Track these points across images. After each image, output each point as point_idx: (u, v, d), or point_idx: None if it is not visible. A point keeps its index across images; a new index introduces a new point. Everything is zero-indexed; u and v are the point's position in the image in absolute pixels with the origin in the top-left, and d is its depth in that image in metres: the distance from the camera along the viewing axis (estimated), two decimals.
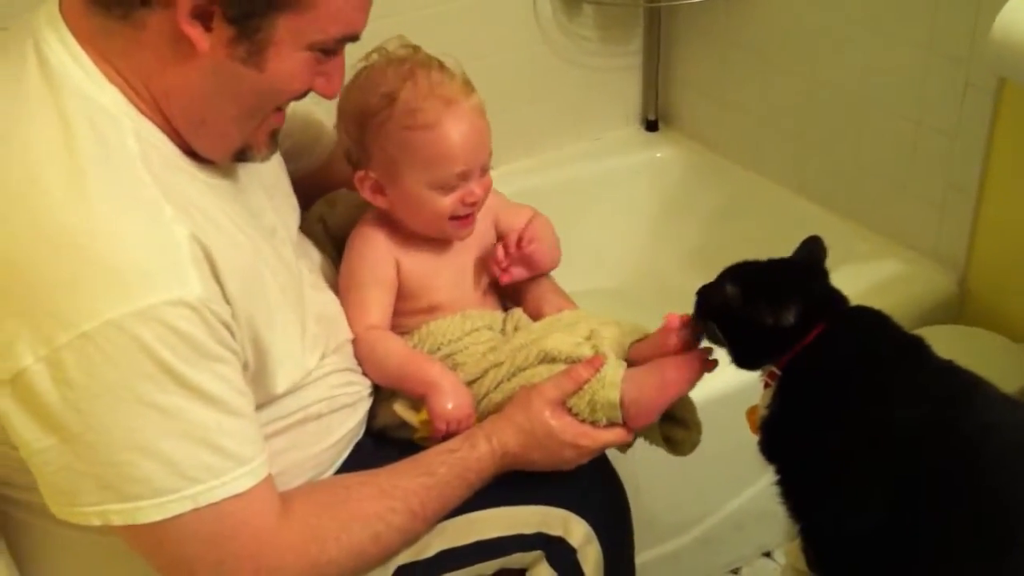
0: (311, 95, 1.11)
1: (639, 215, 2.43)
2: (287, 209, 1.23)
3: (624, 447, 1.24)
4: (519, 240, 1.30)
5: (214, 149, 1.04)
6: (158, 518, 0.93)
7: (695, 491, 1.77)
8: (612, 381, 1.16)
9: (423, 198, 1.25)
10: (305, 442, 1.13)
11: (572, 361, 1.19)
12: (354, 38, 1.03)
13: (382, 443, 1.23)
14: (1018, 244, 1.79)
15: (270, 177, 1.20)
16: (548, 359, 1.20)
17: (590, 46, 2.33)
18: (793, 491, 1.19)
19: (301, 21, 0.96)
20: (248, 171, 1.12)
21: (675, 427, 1.25)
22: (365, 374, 1.23)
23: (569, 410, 1.17)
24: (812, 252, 1.28)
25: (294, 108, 1.28)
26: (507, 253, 1.30)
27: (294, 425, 1.12)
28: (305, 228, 1.32)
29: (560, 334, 1.23)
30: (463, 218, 1.28)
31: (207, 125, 1.01)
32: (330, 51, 1.01)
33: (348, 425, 1.19)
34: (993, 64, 1.48)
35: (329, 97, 1.08)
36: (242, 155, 1.07)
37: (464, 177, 1.25)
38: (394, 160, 1.24)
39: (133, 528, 0.94)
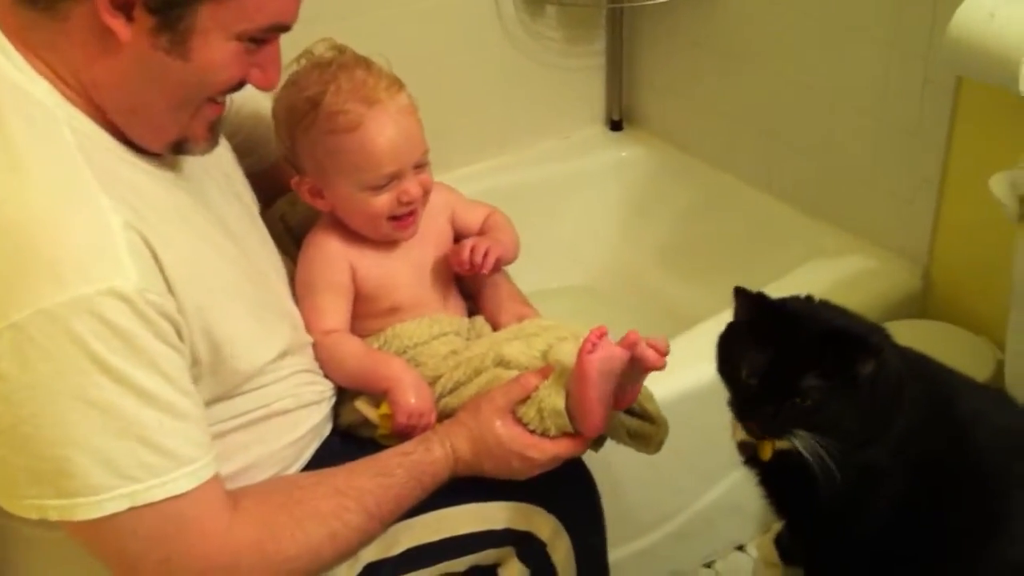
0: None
1: (608, 213, 2.43)
2: (242, 202, 1.23)
3: (596, 446, 1.24)
4: (483, 259, 1.29)
5: (150, 139, 1.03)
6: (95, 515, 0.92)
7: (668, 487, 1.78)
8: (557, 388, 1.15)
9: (357, 200, 1.25)
10: (270, 437, 1.13)
11: (525, 370, 1.19)
12: (284, 28, 1.03)
13: (348, 441, 1.23)
14: (978, 239, 1.80)
15: (221, 170, 1.20)
16: (503, 364, 1.20)
17: (554, 46, 2.33)
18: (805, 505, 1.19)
19: (225, 10, 0.96)
20: (197, 163, 1.12)
21: (642, 423, 1.24)
22: (327, 377, 1.23)
23: (519, 420, 1.16)
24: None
25: (244, 103, 1.29)
26: (469, 268, 1.30)
27: (259, 420, 1.11)
28: (267, 227, 1.31)
29: (519, 343, 1.22)
30: (403, 217, 1.27)
31: (139, 115, 1.01)
32: (260, 41, 1.01)
33: (313, 421, 1.19)
34: (950, 62, 1.50)
35: (266, 89, 1.07)
36: (181, 147, 1.06)
37: (396, 177, 1.24)
38: (323, 165, 1.24)
39: (72, 524, 0.93)
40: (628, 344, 1.12)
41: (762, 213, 2.17)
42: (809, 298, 1.19)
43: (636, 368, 1.15)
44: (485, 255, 1.30)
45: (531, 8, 2.26)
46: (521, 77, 2.32)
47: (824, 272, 1.92)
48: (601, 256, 2.43)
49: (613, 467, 1.42)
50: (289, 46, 1.25)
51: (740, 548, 1.89)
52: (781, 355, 1.09)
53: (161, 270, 0.95)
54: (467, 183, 2.24)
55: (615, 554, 1.70)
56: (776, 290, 1.77)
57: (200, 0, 0.94)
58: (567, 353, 1.19)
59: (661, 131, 2.42)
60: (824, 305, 1.18)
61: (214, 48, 0.97)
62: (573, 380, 1.14)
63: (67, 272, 0.89)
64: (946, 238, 1.88)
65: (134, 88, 0.98)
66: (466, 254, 1.30)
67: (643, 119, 2.47)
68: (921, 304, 1.93)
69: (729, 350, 1.15)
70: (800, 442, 1.08)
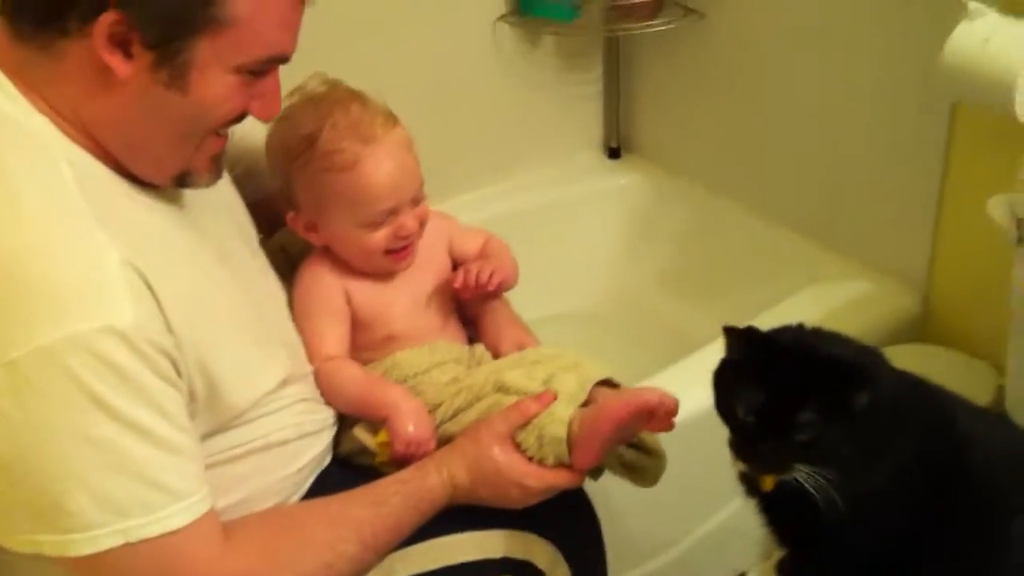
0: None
1: (607, 240, 2.44)
2: (242, 234, 1.23)
3: (595, 475, 1.23)
4: (489, 278, 1.30)
5: (152, 174, 1.04)
6: (89, 551, 0.92)
7: (670, 513, 1.76)
8: (560, 418, 1.14)
9: (353, 236, 1.25)
10: (269, 468, 1.13)
11: (525, 395, 1.18)
12: (283, 59, 1.03)
13: (347, 470, 1.23)
14: (977, 263, 1.80)
15: (221, 201, 1.20)
16: (504, 390, 1.20)
17: (551, 74, 2.34)
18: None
19: (222, 43, 0.96)
20: (197, 196, 1.12)
21: (639, 455, 1.24)
22: (328, 404, 1.23)
23: (518, 446, 1.15)
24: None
25: (245, 133, 1.28)
26: (474, 288, 1.30)
27: (258, 451, 1.11)
28: (268, 256, 1.32)
29: (520, 371, 1.22)
30: (399, 251, 1.28)
31: (140, 151, 1.01)
32: (259, 73, 1.01)
33: (313, 452, 1.19)
34: (945, 87, 1.50)
35: (268, 120, 1.08)
36: (183, 180, 1.06)
37: (393, 212, 1.24)
38: (319, 201, 1.24)
39: (67, 559, 0.92)
40: (642, 409, 1.13)
41: (761, 238, 2.17)
42: (801, 327, 1.19)
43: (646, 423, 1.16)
44: (490, 276, 1.30)
45: (529, 36, 2.27)
46: (519, 105, 2.33)
47: (823, 297, 1.92)
48: (601, 282, 2.43)
49: (613, 494, 1.41)
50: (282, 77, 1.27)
51: (742, 575, 1.88)
52: (776, 391, 1.08)
53: (159, 307, 0.95)
54: (466, 211, 2.24)
55: None
56: (775, 316, 1.77)
57: (198, 34, 0.95)
58: (570, 381, 1.18)
59: (659, 157, 2.43)
60: (816, 333, 1.17)
61: (213, 81, 0.98)
62: (590, 419, 1.14)
63: (64, 308, 0.89)
64: (945, 262, 1.87)
65: (135, 124, 0.99)
66: (472, 276, 1.30)
67: (641, 146, 2.47)
68: (920, 329, 1.93)
69: (724, 388, 1.15)
70: (801, 477, 1.07)
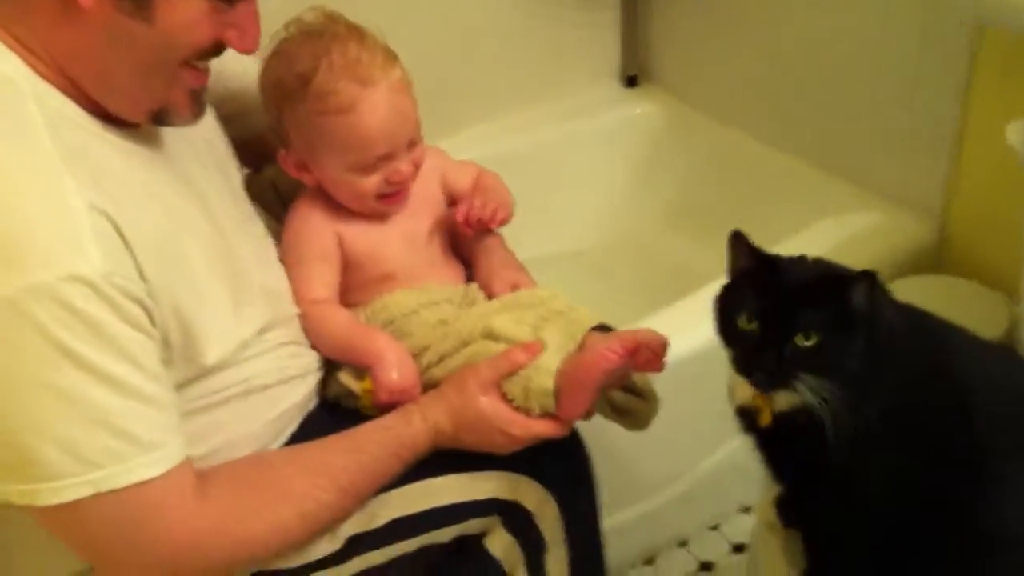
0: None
1: (617, 174, 2.40)
2: (223, 174, 1.20)
3: (585, 416, 1.20)
4: (492, 213, 1.28)
5: (126, 110, 1.01)
6: (56, 501, 0.90)
7: (672, 450, 1.76)
8: (547, 369, 1.12)
9: (344, 180, 1.22)
10: (249, 414, 1.11)
11: (514, 343, 1.15)
12: None
13: (335, 413, 1.21)
14: (994, 192, 1.76)
15: (203, 143, 1.17)
16: (492, 336, 1.17)
17: (566, 1, 2.27)
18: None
19: None
20: (176, 135, 1.09)
21: (629, 398, 1.21)
22: (313, 348, 1.21)
23: (504, 395, 1.13)
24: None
25: (233, 72, 1.25)
26: (476, 223, 1.28)
27: (236, 396, 1.10)
28: (256, 193, 1.30)
29: (509, 315, 1.19)
30: (391, 195, 1.24)
31: (110, 85, 0.98)
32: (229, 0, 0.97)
33: (294, 397, 1.17)
34: (970, 8, 1.45)
35: (246, 52, 1.03)
36: (161, 117, 1.03)
37: (387, 158, 1.21)
38: (311, 142, 1.20)
39: (37, 509, 0.92)
40: (630, 351, 1.10)
41: (773, 170, 2.13)
42: (803, 256, 1.16)
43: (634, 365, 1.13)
44: (493, 211, 1.28)
45: None
46: (533, 32, 2.27)
47: (836, 228, 1.88)
48: (609, 217, 2.39)
49: (611, 430, 1.39)
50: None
51: (746, 510, 1.86)
52: (779, 296, 1.06)
53: (131, 252, 0.93)
54: (475, 144, 2.23)
55: (616, 519, 1.69)
56: (786, 248, 1.73)
57: None
58: (559, 330, 1.16)
59: (676, 87, 2.38)
60: (819, 259, 1.15)
61: (178, 8, 0.94)
62: (576, 370, 1.11)
63: (26, 257, 0.87)
64: (962, 191, 1.83)
65: (102, 56, 0.96)
66: (475, 211, 1.27)
67: (659, 75, 2.42)
68: (935, 259, 1.89)
69: (726, 304, 1.12)
70: (806, 387, 1.05)
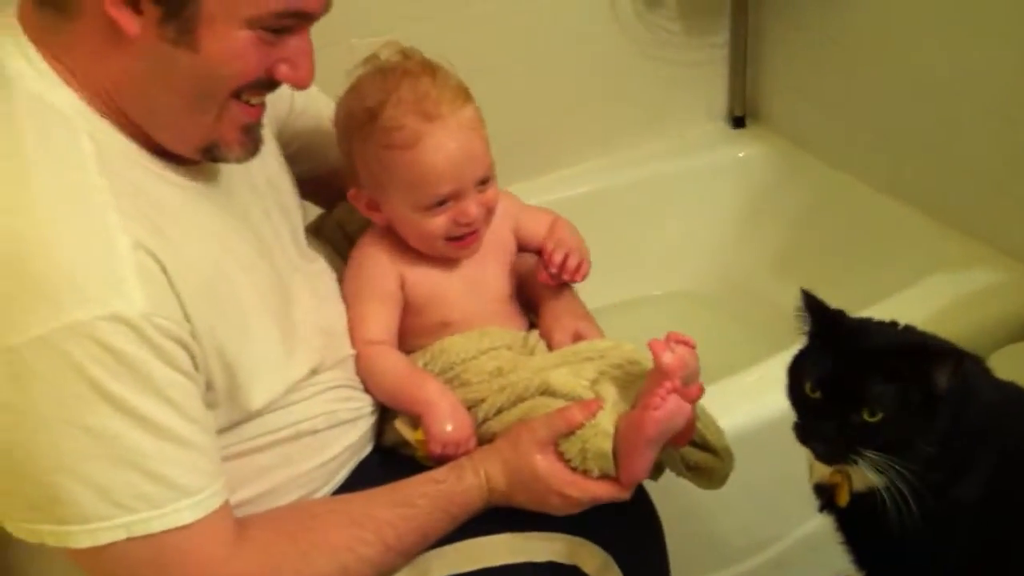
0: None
1: (723, 215, 2.33)
2: (284, 214, 1.18)
3: (655, 474, 1.15)
4: (577, 268, 1.25)
5: (177, 144, 0.99)
6: (89, 544, 0.89)
7: (766, 511, 1.68)
8: (605, 430, 1.06)
9: (412, 219, 1.19)
10: (298, 458, 1.09)
11: (571, 399, 1.10)
12: (304, 15, 0.96)
13: (390, 462, 1.18)
14: None
15: (263, 179, 1.15)
16: (549, 392, 1.12)
17: (672, 39, 2.23)
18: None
19: None
20: (237, 174, 1.08)
21: (704, 456, 1.15)
22: (367, 391, 1.18)
23: (561, 455, 1.08)
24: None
25: (304, 109, 1.25)
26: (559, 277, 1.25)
27: (285, 440, 1.07)
28: (325, 235, 1.28)
29: (567, 369, 1.14)
30: (462, 238, 1.21)
31: (159, 117, 0.97)
32: (276, 30, 0.95)
33: (346, 441, 1.14)
34: None
35: (299, 87, 1.01)
36: (213, 153, 1.01)
37: (455, 197, 1.17)
38: (378, 179, 1.18)
39: (70, 550, 0.90)
40: (670, 390, 1.03)
41: (886, 218, 2.05)
42: (893, 323, 1.08)
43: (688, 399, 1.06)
44: (578, 266, 1.25)
45: None
46: (638, 72, 2.23)
47: (949, 285, 1.79)
48: (714, 260, 2.33)
49: (695, 488, 1.33)
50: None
51: None
52: (847, 362, 1.00)
53: (175, 292, 0.92)
54: (580, 182, 2.21)
55: None
56: (897, 302, 1.66)
57: None
58: (620, 387, 1.11)
59: (784, 129, 2.31)
60: (907, 328, 1.07)
61: (223, 37, 0.92)
62: (628, 429, 1.06)
63: (65, 295, 0.86)
64: None
65: (149, 87, 0.95)
66: (561, 267, 1.24)
67: (767, 116, 2.35)
68: None
69: (796, 369, 1.07)
70: (868, 464, 0.98)
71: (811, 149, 2.24)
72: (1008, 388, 1.09)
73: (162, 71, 0.93)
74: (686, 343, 1.06)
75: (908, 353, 1.00)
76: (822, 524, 1.68)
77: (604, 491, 1.08)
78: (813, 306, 1.06)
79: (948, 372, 0.97)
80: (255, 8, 0.92)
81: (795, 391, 1.05)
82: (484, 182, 1.19)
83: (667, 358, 1.03)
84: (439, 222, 1.18)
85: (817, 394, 1.01)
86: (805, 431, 1.03)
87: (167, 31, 0.91)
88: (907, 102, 1.96)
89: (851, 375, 0.99)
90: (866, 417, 0.98)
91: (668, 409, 1.02)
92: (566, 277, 1.25)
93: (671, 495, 1.26)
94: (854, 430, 0.99)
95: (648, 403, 1.03)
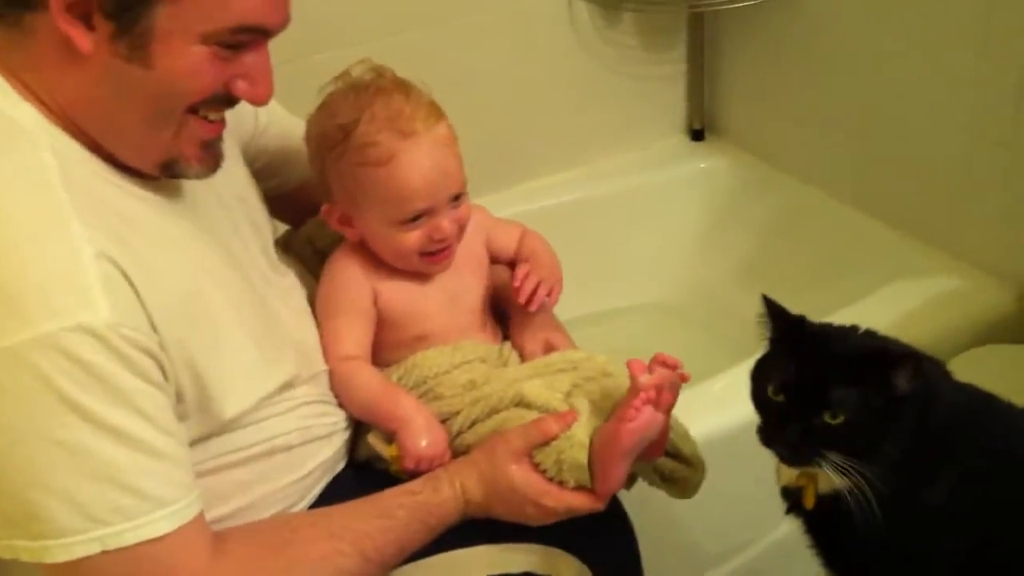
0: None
1: (686, 227, 2.35)
2: (254, 228, 1.18)
3: (628, 484, 1.16)
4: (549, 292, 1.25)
5: (135, 159, 0.99)
6: (65, 558, 0.88)
7: (737, 518, 1.69)
8: (581, 441, 1.07)
9: (386, 235, 1.19)
10: (272, 474, 1.08)
11: (545, 411, 1.11)
12: (260, 31, 0.96)
13: (364, 475, 1.17)
14: None
15: (231, 195, 1.15)
16: (524, 404, 1.13)
17: (631, 54, 2.25)
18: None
19: (181, 9, 0.90)
20: (203, 190, 1.07)
21: (676, 465, 1.16)
22: (341, 406, 1.18)
23: (537, 465, 1.09)
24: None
25: (269, 124, 1.25)
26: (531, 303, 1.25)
27: (259, 456, 1.07)
28: (295, 250, 1.28)
29: (540, 381, 1.15)
30: (435, 253, 1.21)
31: (116, 133, 0.96)
32: (231, 45, 0.94)
33: (321, 457, 1.14)
34: None
35: (257, 103, 1.01)
36: (172, 169, 1.00)
37: (428, 213, 1.18)
38: (353, 195, 1.18)
39: (45, 565, 0.89)
40: (647, 401, 1.05)
41: (848, 228, 2.07)
42: (854, 327, 1.10)
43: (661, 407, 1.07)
44: (550, 290, 1.25)
45: (607, 14, 2.18)
46: (596, 86, 2.25)
47: (913, 290, 1.82)
48: (678, 272, 2.35)
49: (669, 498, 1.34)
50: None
51: None
52: (809, 366, 1.02)
53: (142, 303, 0.91)
54: (542, 196, 2.22)
55: None
56: (859, 309, 1.68)
57: (156, 0, 0.89)
58: (593, 399, 1.12)
59: (744, 141, 2.33)
60: (868, 332, 1.09)
61: (177, 53, 0.92)
62: (603, 441, 1.06)
63: (31, 308, 0.85)
64: None
65: (105, 103, 0.94)
66: (529, 289, 1.24)
67: (726, 128, 2.37)
68: (1017, 328, 1.80)
69: (759, 373, 1.08)
70: (830, 467, 0.99)
71: (770, 161, 2.26)
72: (970, 391, 1.10)
73: (117, 88, 0.93)
74: (672, 366, 1.08)
75: (868, 357, 1.01)
76: (793, 529, 1.71)
77: (579, 501, 1.08)
78: (774, 311, 1.08)
79: (908, 375, 0.98)
80: (210, 24, 0.92)
81: (758, 395, 1.07)
82: (457, 198, 1.20)
83: (643, 379, 1.04)
84: (413, 238, 1.18)
85: (780, 397, 1.03)
86: (768, 434, 1.04)
87: (120, 47, 0.90)
88: (864, 113, 1.98)
89: (813, 378, 1.01)
90: (828, 420, 0.99)
91: (643, 420, 1.03)
92: (533, 308, 1.25)
93: (644, 504, 1.27)
94: (816, 433, 1.00)
95: (623, 415, 1.04)
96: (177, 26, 0.91)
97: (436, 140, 1.16)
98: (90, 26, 0.89)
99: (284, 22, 0.97)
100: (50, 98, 0.94)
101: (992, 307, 1.79)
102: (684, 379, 1.10)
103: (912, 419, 1.00)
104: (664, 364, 1.07)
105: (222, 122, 1.02)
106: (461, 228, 1.22)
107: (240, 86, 0.98)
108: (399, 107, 1.16)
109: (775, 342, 1.08)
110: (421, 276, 1.24)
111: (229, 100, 0.99)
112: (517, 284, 1.25)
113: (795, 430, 1.01)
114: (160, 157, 0.99)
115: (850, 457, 0.99)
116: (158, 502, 0.91)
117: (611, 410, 1.10)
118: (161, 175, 1.01)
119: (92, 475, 0.88)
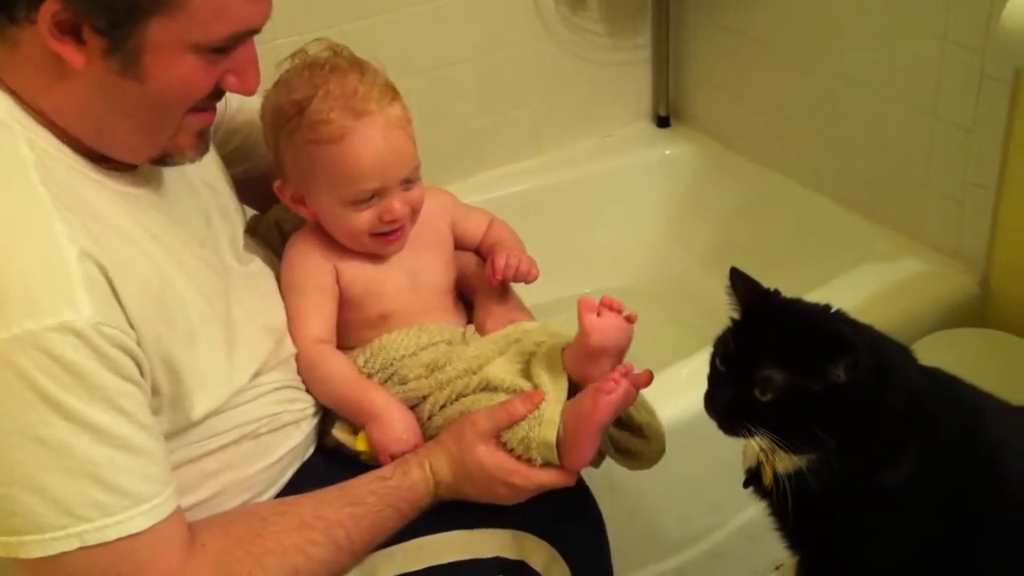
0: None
1: (652, 213, 2.36)
2: (224, 216, 1.18)
3: (596, 462, 1.17)
4: (523, 271, 1.25)
5: (128, 157, 0.99)
6: (41, 554, 0.88)
7: (703, 502, 1.70)
8: (550, 419, 1.08)
9: (337, 214, 1.19)
10: (241, 462, 1.08)
11: (512, 392, 1.12)
12: (251, 33, 0.97)
13: (334, 461, 1.17)
14: None
15: (202, 183, 1.15)
16: (489, 388, 1.13)
17: (596, 40, 2.25)
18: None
19: (175, 24, 0.90)
20: (175, 176, 1.07)
21: (631, 438, 1.17)
22: (309, 391, 1.18)
23: (504, 445, 1.09)
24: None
25: (239, 109, 1.25)
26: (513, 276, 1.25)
27: (228, 445, 1.06)
28: (261, 234, 1.27)
29: (501, 361, 1.15)
30: (387, 235, 1.21)
31: (109, 139, 0.97)
32: (222, 50, 0.95)
33: (290, 444, 1.13)
34: (1006, 55, 1.40)
35: (246, 94, 1.01)
36: (165, 160, 1.01)
37: (379, 193, 1.17)
38: (305, 173, 1.18)
39: (23, 561, 0.89)
40: (623, 374, 1.07)
41: (812, 213, 2.08)
42: (827, 306, 1.10)
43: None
44: (528, 268, 1.25)
45: (571, 1, 2.18)
46: (563, 73, 2.25)
47: (875, 276, 1.83)
48: (644, 257, 2.36)
49: (643, 481, 1.34)
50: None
51: (780, 567, 1.80)
52: (748, 342, 1.03)
53: (119, 301, 0.91)
54: (507, 183, 2.23)
55: (642, 574, 1.63)
56: (826, 294, 1.68)
57: (148, 16, 0.89)
58: (553, 371, 1.12)
59: (709, 127, 2.34)
60: (837, 313, 1.09)
61: (170, 65, 0.92)
62: (578, 415, 1.07)
63: (12, 306, 0.85)
64: (1005, 242, 1.76)
65: (98, 114, 0.94)
66: (512, 270, 1.24)
67: (691, 115, 2.38)
68: (979, 312, 1.82)
69: (717, 343, 1.09)
70: (757, 443, 1.01)
71: (735, 147, 2.27)
72: (934, 374, 1.11)
73: (113, 101, 0.93)
74: (618, 309, 1.09)
75: (808, 342, 1.01)
76: (759, 513, 1.72)
77: (549, 478, 1.10)
78: (745, 281, 1.09)
79: (846, 366, 0.98)
80: (204, 36, 0.92)
81: (711, 364, 1.08)
82: (410, 180, 1.19)
83: (589, 320, 1.07)
84: (364, 217, 1.18)
85: (722, 368, 1.05)
86: (707, 398, 1.06)
87: (112, 63, 0.91)
88: (828, 99, 1.99)
89: (751, 353, 1.02)
90: (758, 395, 1.00)
91: (621, 392, 1.05)
92: (514, 278, 1.25)
93: (611, 490, 1.28)
94: (746, 405, 1.01)
95: (602, 387, 1.05)
96: (170, 39, 0.91)
97: (389, 120, 1.16)
98: (80, 40, 0.89)
99: (269, 14, 0.98)
100: (33, 101, 0.93)
101: (954, 291, 1.81)
102: (631, 319, 1.11)
103: (862, 405, 1.00)
104: (610, 307, 1.09)
105: (214, 109, 1.03)
106: (414, 210, 1.21)
107: (231, 80, 0.99)
108: (354, 86, 1.15)
109: (741, 314, 1.09)
110: (382, 256, 1.24)
111: (220, 92, 1.00)
112: (490, 261, 1.25)
113: (724, 397, 1.03)
114: (155, 153, 1.00)
115: (780, 435, 1.00)
116: (137, 498, 0.91)
117: (579, 378, 1.11)
118: (152, 164, 1.02)
119: (71, 472, 0.88)
